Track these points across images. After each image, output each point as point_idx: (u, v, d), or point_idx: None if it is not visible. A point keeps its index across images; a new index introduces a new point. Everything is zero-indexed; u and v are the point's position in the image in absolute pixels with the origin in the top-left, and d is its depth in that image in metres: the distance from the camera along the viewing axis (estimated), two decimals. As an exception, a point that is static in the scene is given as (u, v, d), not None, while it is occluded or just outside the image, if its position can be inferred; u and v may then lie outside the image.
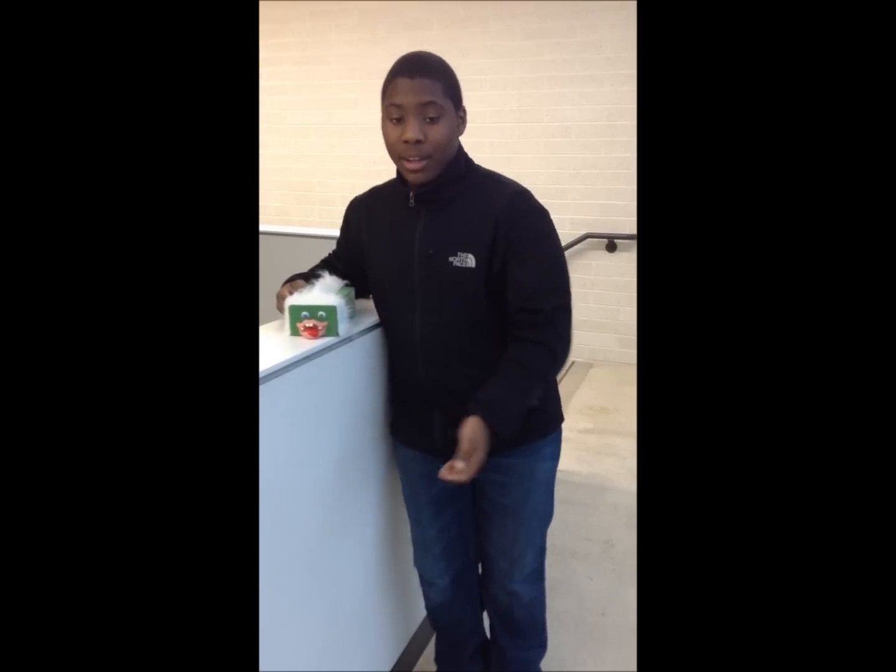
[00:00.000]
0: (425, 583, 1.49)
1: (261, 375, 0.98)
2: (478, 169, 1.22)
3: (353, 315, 1.26)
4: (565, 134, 4.10)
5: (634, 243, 3.87)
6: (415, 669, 1.72)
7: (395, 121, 1.11)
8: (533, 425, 1.27)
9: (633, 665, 1.69)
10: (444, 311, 1.19)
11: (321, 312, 1.14)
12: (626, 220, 3.95)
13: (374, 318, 1.31)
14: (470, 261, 1.15)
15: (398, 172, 1.20)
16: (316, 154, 5.02)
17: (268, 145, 5.05)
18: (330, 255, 1.40)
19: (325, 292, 1.18)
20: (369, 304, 1.36)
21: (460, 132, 1.17)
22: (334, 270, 1.31)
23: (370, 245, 1.27)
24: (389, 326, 1.30)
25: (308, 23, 4.77)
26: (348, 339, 1.21)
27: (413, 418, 1.32)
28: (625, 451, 2.94)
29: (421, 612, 1.77)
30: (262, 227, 2.56)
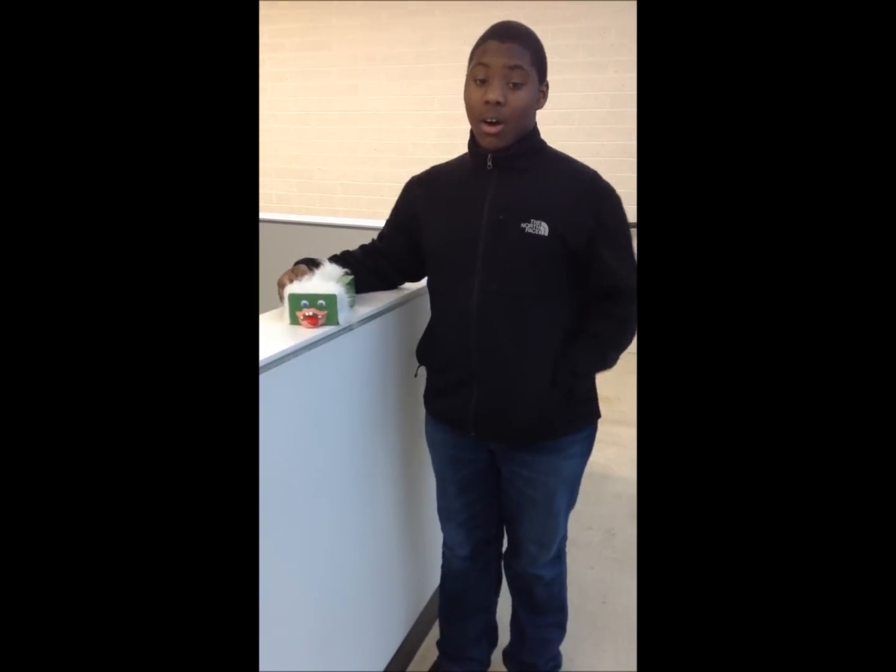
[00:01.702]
0: (446, 546, 1.53)
1: (260, 364, 0.97)
2: (550, 148, 1.24)
3: (354, 304, 1.25)
4: (568, 121, 4.07)
5: (635, 232, 3.84)
6: (409, 668, 1.73)
7: (479, 82, 1.13)
8: (565, 419, 1.27)
9: (634, 654, 1.70)
10: (505, 278, 1.19)
11: (321, 301, 1.13)
12: (629, 208, 3.92)
13: (374, 307, 1.30)
14: (543, 229, 1.16)
15: (470, 142, 1.22)
16: (316, 141, 5.00)
17: (269, 132, 5.03)
18: (372, 240, 1.42)
19: (325, 281, 1.17)
20: (370, 295, 1.36)
21: (540, 106, 1.19)
22: (374, 250, 1.37)
23: (430, 214, 1.28)
24: (442, 295, 1.29)
25: (309, 8, 4.73)
26: (348, 328, 1.21)
27: (450, 388, 1.31)
28: (627, 440, 2.94)
29: (423, 601, 1.78)
30: (263, 215, 2.55)
